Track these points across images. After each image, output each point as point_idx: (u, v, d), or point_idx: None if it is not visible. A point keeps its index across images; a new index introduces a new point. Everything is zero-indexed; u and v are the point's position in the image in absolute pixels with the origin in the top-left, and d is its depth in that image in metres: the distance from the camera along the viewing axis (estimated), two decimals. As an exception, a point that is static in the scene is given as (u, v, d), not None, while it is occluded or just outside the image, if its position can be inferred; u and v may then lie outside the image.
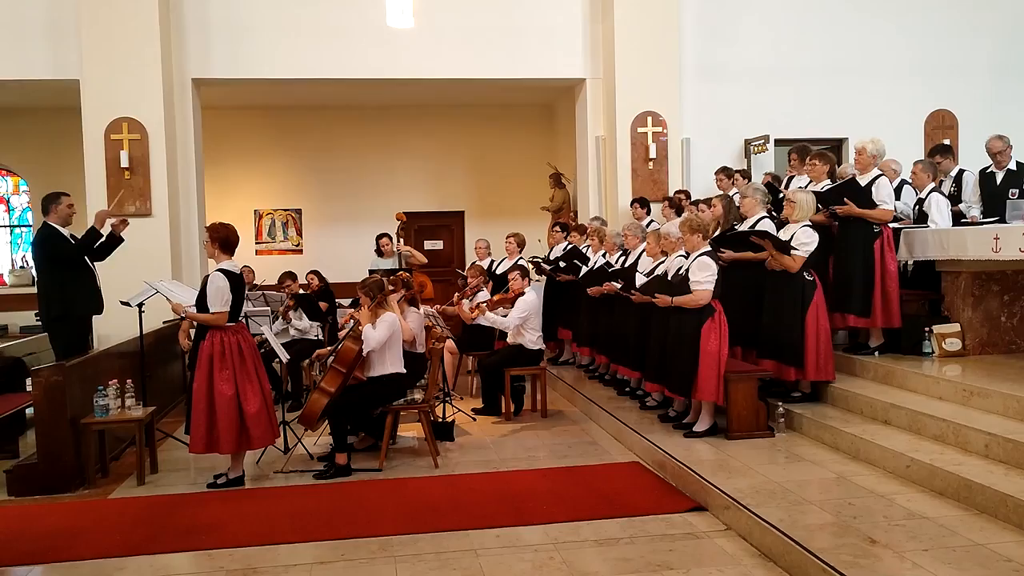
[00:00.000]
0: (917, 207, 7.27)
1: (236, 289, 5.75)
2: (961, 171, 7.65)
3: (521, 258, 9.35)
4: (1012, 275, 6.54)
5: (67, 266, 6.77)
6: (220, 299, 5.65)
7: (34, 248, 7.02)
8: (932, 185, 7.21)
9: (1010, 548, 3.90)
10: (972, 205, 7.34)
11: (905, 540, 4.05)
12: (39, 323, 7.28)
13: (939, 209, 6.95)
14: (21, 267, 13.43)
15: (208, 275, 5.77)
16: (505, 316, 7.77)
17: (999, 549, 3.90)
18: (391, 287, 6.67)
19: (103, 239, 7.01)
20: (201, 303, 5.74)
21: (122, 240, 7.16)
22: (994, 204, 7.06)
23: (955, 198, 7.48)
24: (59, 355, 6.76)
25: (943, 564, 3.76)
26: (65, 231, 6.86)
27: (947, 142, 8.78)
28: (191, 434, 5.73)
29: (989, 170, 7.26)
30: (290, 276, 9.13)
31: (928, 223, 6.94)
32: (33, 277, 12.39)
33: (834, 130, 10.74)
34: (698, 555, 4.43)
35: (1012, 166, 7.14)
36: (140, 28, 9.27)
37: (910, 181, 7.54)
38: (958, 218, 7.23)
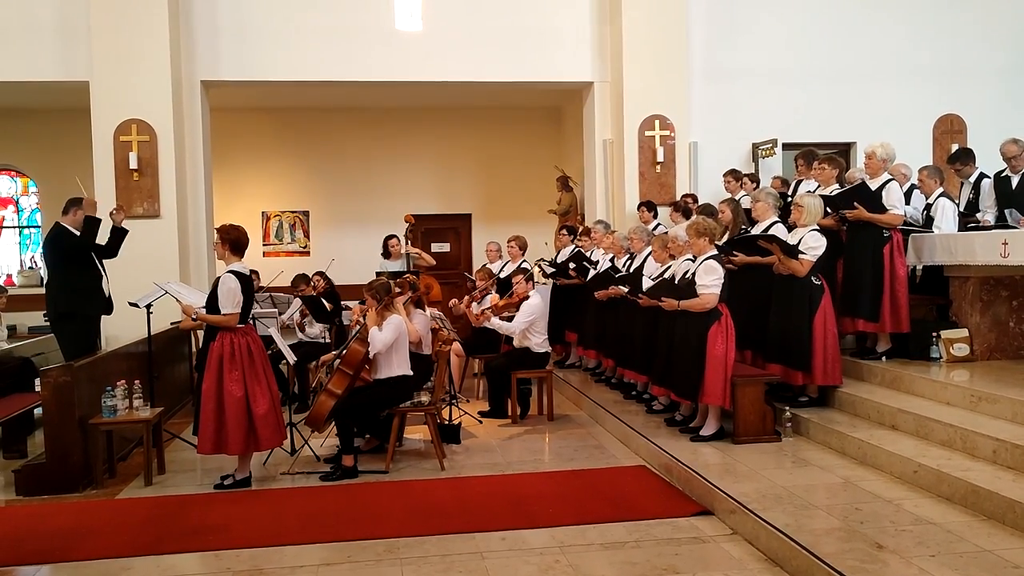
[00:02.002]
0: (925, 212, 7.25)
1: (246, 291, 5.78)
2: (981, 175, 7.58)
3: (524, 261, 9.36)
4: (1021, 280, 6.52)
5: (77, 263, 6.82)
6: (232, 300, 5.67)
7: (45, 247, 7.08)
8: (940, 190, 7.19)
9: (1018, 554, 3.89)
10: (987, 209, 7.31)
11: (912, 546, 4.04)
12: (47, 323, 7.31)
13: (943, 214, 6.93)
14: (30, 268, 13.49)
15: (219, 276, 5.80)
16: (511, 320, 7.77)
17: (1007, 555, 3.88)
18: (397, 289, 6.68)
19: (107, 234, 7.06)
20: (212, 304, 5.76)
21: (126, 230, 7.21)
22: (1009, 208, 7.01)
23: (974, 204, 7.43)
24: (66, 355, 6.79)
25: (950, 570, 3.75)
26: (76, 233, 6.92)
27: (959, 146, 8.69)
28: (199, 435, 5.75)
29: (1004, 174, 7.18)
30: (304, 280, 9.14)
31: (932, 228, 6.93)
32: (42, 278, 12.46)
33: (842, 134, 10.74)
34: (704, 559, 4.43)
35: None
36: (149, 30, 9.32)
37: (918, 185, 7.52)
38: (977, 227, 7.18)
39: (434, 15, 9.74)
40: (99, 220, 7.07)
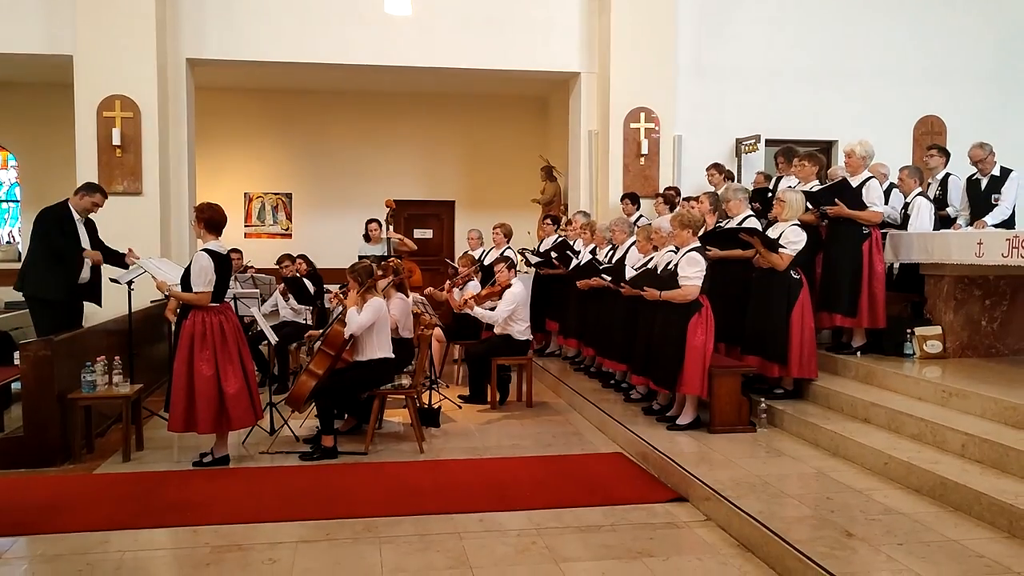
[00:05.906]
0: (903, 211, 7.37)
1: (221, 270, 5.76)
2: (947, 175, 7.77)
3: (508, 248, 9.39)
4: (994, 280, 6.64)
5: (62, 250, 6.78)
6: (203, 278, 5.66)
7: (38, 220, 6.92)
8: (919, 189, 7.33)
9: (982, 544, 3.99)
10: (960, 213, 7.49)
11: (881, 534, 4.14)
12: (23, 299, 7.24)
13: (919, 213, 7.07)
14: (8, 242, 13.36)
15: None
16: (493, 309, 7.80)
17: (972, 545, 3.99)
18: (380, 272, 6.70)
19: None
20: (185, 282, 5.75)
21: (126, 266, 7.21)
22: (979, 210, 7.24)
23: (941, 201, 7.60)
24: (39, 334, 6.70)
25: (917, 558, 3.84)
26: (78, 218, 6.91)
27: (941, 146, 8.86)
28: (170, 412, 5.75)
29: (975, 177, 7.43)
30: (289, 258, 9.14)
31: (908, 226, 7.07)
32: (19, 253, 12.33)
33: (824, 132, 10.85)
34: (678, 544, 4.51)
35: (996, 172, 7.29)
36: (135, 6, 9.23)
37: (898, 184, 7.65)
38: (945, 222, 7.35)
39: (423, 0, 9.72)
40: (126, 266, 7.10)
